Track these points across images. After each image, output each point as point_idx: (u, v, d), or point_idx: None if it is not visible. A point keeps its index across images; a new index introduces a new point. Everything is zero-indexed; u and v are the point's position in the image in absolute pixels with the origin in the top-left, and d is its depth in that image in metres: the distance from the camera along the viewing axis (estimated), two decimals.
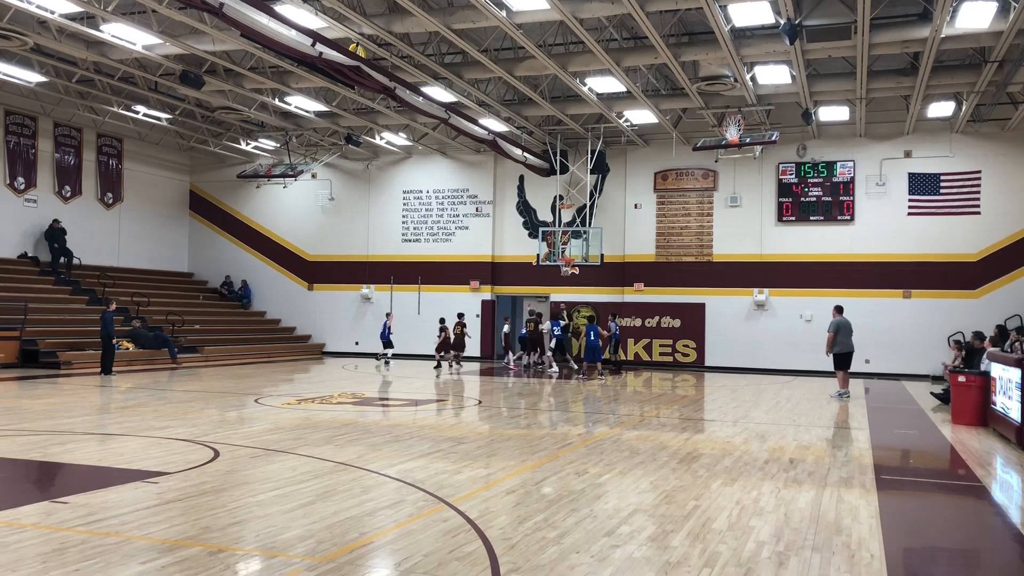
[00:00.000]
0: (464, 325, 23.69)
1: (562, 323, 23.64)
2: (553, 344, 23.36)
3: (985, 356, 13.90)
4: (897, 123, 23.12)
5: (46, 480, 8.46)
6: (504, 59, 18.63)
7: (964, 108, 20.81)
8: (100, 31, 17.04)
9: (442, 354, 23.26)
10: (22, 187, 24.76)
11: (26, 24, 17.22)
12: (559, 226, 26.03)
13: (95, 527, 6.16)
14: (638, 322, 25.72)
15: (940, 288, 23.33)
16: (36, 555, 5.49)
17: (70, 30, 17.31)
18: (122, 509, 6.75)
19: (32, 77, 21.12)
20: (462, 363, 23.97)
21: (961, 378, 13.71)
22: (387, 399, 15.99)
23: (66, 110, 25.27)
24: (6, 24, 16.77)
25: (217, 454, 9.31)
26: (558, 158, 26.06)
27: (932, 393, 17.44)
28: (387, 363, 23.78)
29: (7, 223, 24.28)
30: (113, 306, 20.13)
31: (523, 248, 27.18)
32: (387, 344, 23.76)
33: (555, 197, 26.62)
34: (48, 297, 23.33)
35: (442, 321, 23.83)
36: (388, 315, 25.19)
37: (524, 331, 24.54)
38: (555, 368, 22.98)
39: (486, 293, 27.42)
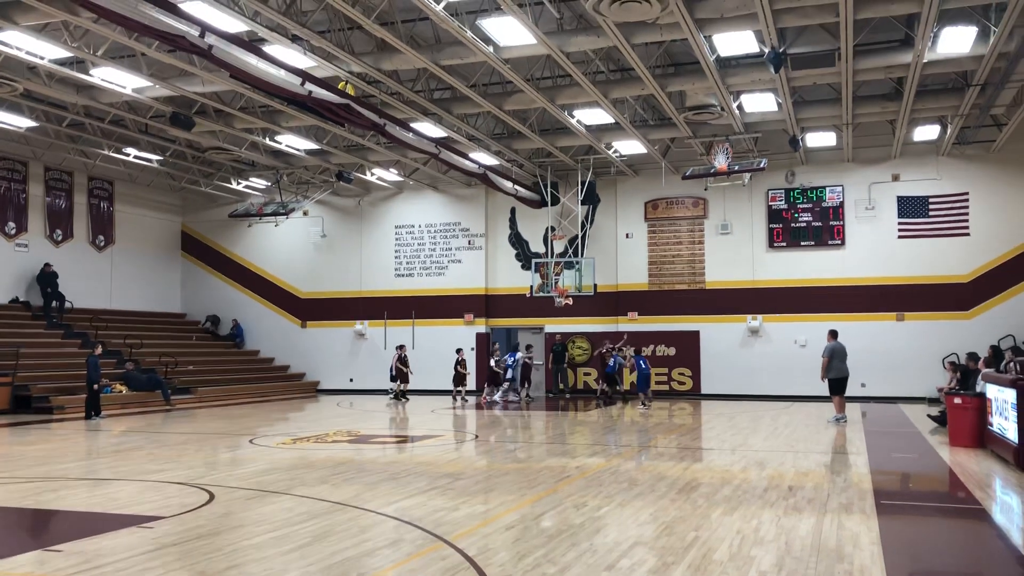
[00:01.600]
0: (462, 361, 23.84)
1: (518, 355, 24.15)
2: (510, 375, 23.99)
3: (980, 377, 13.90)
4: (884, 147, 23.32)
5: (39, 528, 8.36)
6: (493, 94, 18.78)
7: (949, 131, 21.02)
8: (90, 75, 17.14)
9: (458, 389, 23.79)
10: (13, 232, 24.74)
11: (16, 70, 17.30)
12: (552, 257, 26.09)
13: (90, 575, 6.08)
14: (633, 351, 25.63)
15: (933, 310, 23.39)
16: None
17: (60, 75, 17.41)
18: (117, 555, 6.67)
19: (22, 122, 21.18)
20: (466, 398, 23.99)
21: (957, 400, 13.70)
22: (383, 436, 15.89)
23: (57, 154, 25.33)
24: None
25: (212, 497, 9.22)
26: (549, 190, 26.17)
27: (929, 415, 17.42)
28: (397, 397, 24.20)
29: None
30: (99, 350, 19.95)
31: (516, 280, 27.20)
32: (394, 378, 24.32)
33: (547, 228, 26.70)
34: (40, 341, 23.21)
35: (459, 351, 24.27)
36: (400, 347, 25.37)
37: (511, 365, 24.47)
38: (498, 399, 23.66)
39: (480, 326, 27.39)
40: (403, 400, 24.01)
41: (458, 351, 24.45)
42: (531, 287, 25.84)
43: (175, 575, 6.09)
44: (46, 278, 24.71)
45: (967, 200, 23.28)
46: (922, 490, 10.59)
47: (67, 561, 6.49)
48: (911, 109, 19.15)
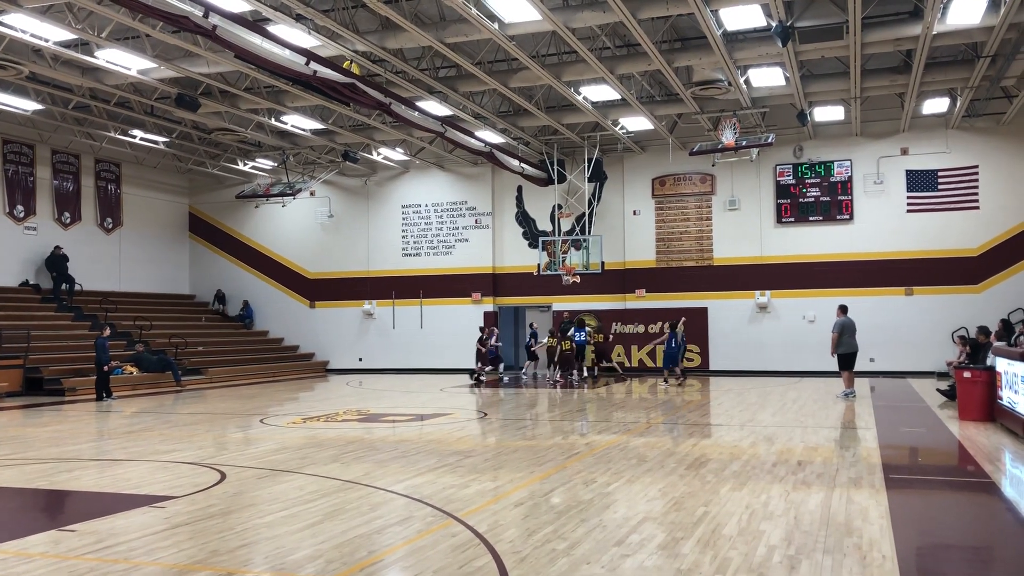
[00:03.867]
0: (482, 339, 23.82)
1: (585, 331, 23.45)
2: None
3: (991, 351, 13.87)
4: (893, 121, 23.15)
5: (53, 508, 8.44)
6: (498, 71, 18.68)
7: (959, 104, 20.84)
8: (95, 57, 17.11)
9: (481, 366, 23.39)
10: (22, 215, 24.81)
11: (21, 53, 17.28)
12: (559, 235, 26.06)
13: (103, 554, 6.14)
14: (641, 328, 25.67)
15: (942, 284, 23.30)
16: None
17: (65, 57, 17.38)
18: (130, 535, 6.73)
19: (28, 105, 21.19)
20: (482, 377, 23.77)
21: (967, 374, 13.68)
22: (392, 415, 15.95)
23: (63, 137, 25.34)
24: (1, 54, 16.84)
25: (224, 476, 9.29)
26: (555, 167, 26.09)
27: (938, 390, 17.40)
28: (480, 380, 23.03)
29: (8, 251, 24.32)
30: (107, 332, 20.05)
31: (524, 258, 27.18)
32: (494, 360, 23.81)
33: (554, 206, 26.64)
34: (50, 324, 23.34)
35: (485, 330, 24.12)
36: (493, 330, 24.62)
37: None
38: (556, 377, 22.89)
39: (488, 305, 27.41)
40: (477, 381, 23.21)
41: (483, 329, 24.37)
42: (538, 265, 25.82)
43: (188, 554, 6.14)
44: (56, 261, 24.81)
45: (977, 173, 23.11)
46: (931, 464, 10.60)
47: (81, 541, 6.55)
48: (920, 82, 18.97)
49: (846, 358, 17.19)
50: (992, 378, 13.05)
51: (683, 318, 22.34)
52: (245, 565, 5.93)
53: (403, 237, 28.56)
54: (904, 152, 23.71)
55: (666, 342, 21.58)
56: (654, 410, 15.90)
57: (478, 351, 23.64)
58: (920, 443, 11.93)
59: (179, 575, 5.62)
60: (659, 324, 24.60)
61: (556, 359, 23.07)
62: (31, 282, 24.83)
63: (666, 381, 21.30)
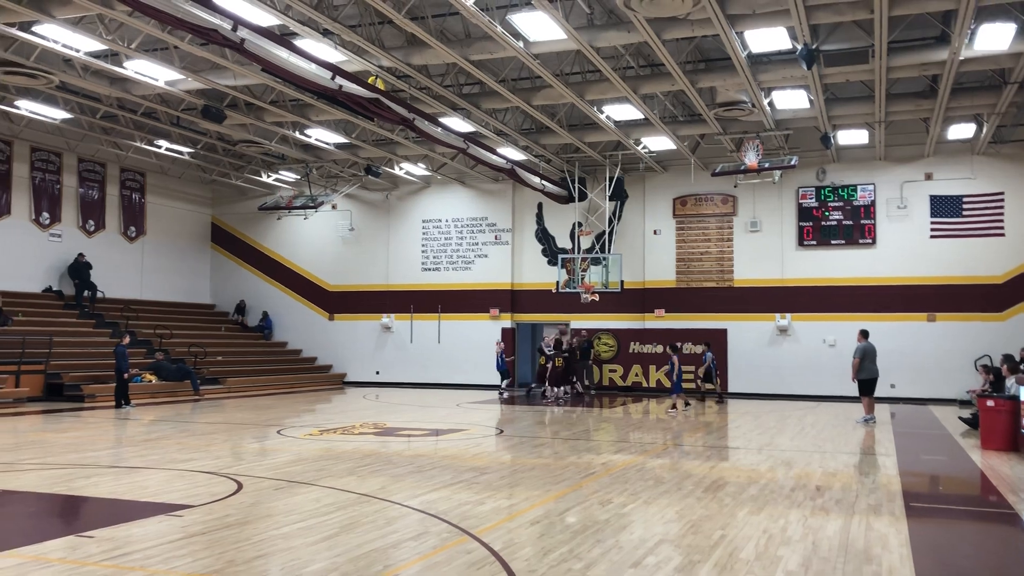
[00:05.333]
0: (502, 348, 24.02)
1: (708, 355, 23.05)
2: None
3: (1014, 379, 13.70)
4: (917, 145, 23.01)
5: (71, 514, 8.48)
6: (522, 89, 18.75)
7: (985, 130, 20.69)
8: (124, 68, 17.33)
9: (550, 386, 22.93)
10: (47, 222, 25.09)
11: (52, 63, 17.53)
12: (578, 253, 26.03)
13: (120, 561, 6.16)
14: (659, 348, 25.56)
15: (965, 311, 23.06)
16: None
17: (94, 67, 17.61)
18: (147, 543, 6.75)
19: (57, 114, 21.48)
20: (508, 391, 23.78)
21: (990, 402, 13.52)
22: (408, 429, 15.94)
23: (90, 145, 25.65)
24: (32, 63, 17.09)
25: (240, 486, 9.31)
26: (576, 185, 26.11)
27: (960, 418, 17.19)
28: (503, 393, 23.88)
29: (32, 258, 24.59)
30: (127, 340, 20.19)
31: (543, 275, 27.17)
32: (504, 374, 24.11)
33: (574, 224, 26.64)
34: (72, 331, 23.54)
35: (558, 345, 23.52)
36: (499, 343, 25.18)
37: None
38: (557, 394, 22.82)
39: (506, 321, 27.40)
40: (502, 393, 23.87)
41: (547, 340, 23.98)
42: (557, 283, 25.80)
43: (204, 563, 6.15)
44: (79, 268, 25.06)
45: (1002, 200, 22.91)
46: (953, 493, 10.46)
47: (98, 547, 6.58)
48: (946, 107, 18.87)
49: (867, 384, 17.05)
50: (1016, 407, 12.89)
51: (679, 343, 22.57)
52: None
53: (423, 251, 28.64)
54: (928, 177, 23.55)
55: (673, 367, 21.33)
56: (671, 432, 15.80)
57: (541, 366, 23.35)
58: (941, 471, 11.78)
59: None
60: (698, 347, 24.39)
61: (548, 377, 22.96)
62: (54, 288, 25.09)
63: (687, 404, 20.75)
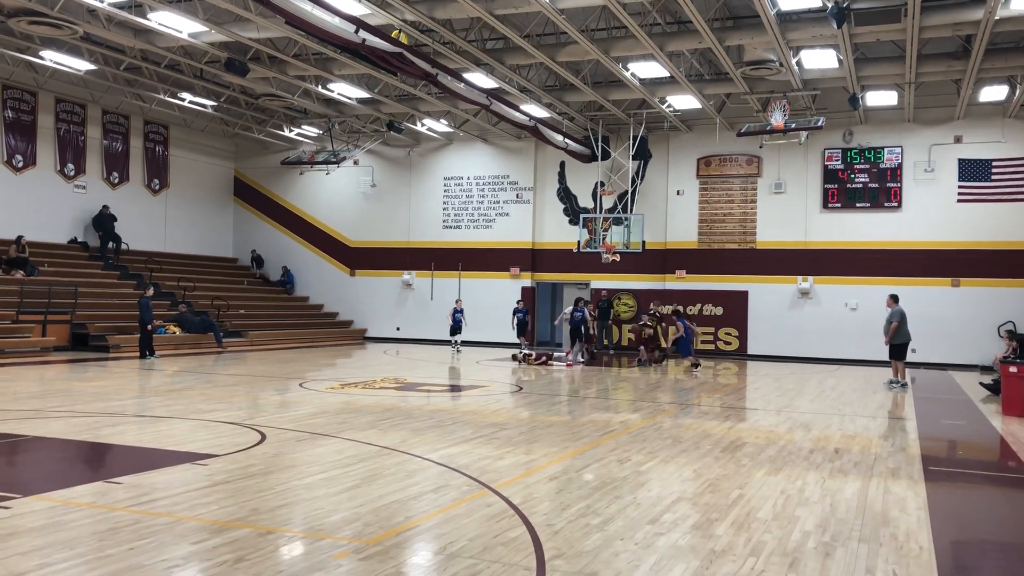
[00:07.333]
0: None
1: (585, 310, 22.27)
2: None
3: None
4: (947, 108, 22.62)
5: (99, 461, 8.66)
6: (546, 44, 18.55)
7: (1018, 92, 20.30)
8: (147, 19, 17.29)
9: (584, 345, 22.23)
10: (72, 173, 25.25)
11: (76, 13, 17.51)
12: (600, 213, 25.92)
13: (147, 507, 6.29)
14: (680, 309, 25.49)
15: (991, 276, 22.83)
16: (92, 533, 5.62)
17: (118, 18, 17.58)
18: (173, 490, 6.89)
19: (81, 65, 21.50)
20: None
21: (1012, 368, 13.43)
22: (429, 384, 16.08)
23: (114, 97, 25.70)
24: (57, 13, 17.08)
25: (264, 437, 9.45)
26: (599, 144, 25.92)
27: (982, 383, 17.11)
28: (458, 349, 24.52)
29: (58, 209, 24.80)
30: (150, 291, 20.42)
31: (563, 235, 27.11)
32: (523, 330, 24.35)
33: (596, 183, 26.49)
34: (97, 282, 23.81)
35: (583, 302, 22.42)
36: (457, 301, 25.65)
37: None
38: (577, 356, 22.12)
39: (526, 280, 27.42)
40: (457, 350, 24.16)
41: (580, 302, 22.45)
42: (578, 242, 25.75)
43: (228, 511, 6.27)
44: (103, 220, 25.26)
45: None
46: (972, 458, 10.44)
47: (126, 493, 6.72)
48: (979, 68, 18.51)
49: (900, 348, 16.97)
50: None
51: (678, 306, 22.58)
52: (285, 524, 6.04)
53: (444, 209, 28.61)
54: (957, 140, 23.18)
55: (689, 330, 21.30)
56: (689, 392, 15.85)
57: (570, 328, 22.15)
58: (961, 436, 11.76)
59: (220, 531, 5.75)
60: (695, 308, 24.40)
61: (645, 344, 22.28)
62: (79, 240, 25.32)
63: (696, 365, 20.56)
